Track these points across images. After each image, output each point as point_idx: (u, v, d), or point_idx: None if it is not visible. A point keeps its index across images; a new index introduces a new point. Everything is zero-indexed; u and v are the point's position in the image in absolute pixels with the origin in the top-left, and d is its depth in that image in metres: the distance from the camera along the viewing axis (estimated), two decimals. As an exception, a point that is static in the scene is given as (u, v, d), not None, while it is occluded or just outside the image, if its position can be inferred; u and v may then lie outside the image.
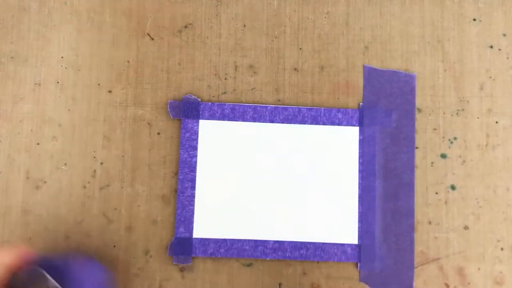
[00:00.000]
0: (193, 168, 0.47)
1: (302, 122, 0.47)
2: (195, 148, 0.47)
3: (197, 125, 0.47)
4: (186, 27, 0.49)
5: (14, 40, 0.48)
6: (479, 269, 0.46)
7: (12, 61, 0.48)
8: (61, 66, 0.48)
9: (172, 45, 0.49)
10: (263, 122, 0.47)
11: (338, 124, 0.48)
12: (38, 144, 0.47)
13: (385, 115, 0.48)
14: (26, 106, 0.48)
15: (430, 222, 0.47)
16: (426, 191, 0.47)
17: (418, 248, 0.46)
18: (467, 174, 0.47)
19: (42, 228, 0.46)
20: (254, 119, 0.47)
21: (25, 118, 0.47)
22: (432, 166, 0.47)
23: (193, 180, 0.47)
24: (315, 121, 0.48)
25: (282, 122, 0.47)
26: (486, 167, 0.47)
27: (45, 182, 0.47)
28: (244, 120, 0.47)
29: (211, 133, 0.47)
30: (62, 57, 0.48)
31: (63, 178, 0.47)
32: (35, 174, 0.47)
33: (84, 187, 0.47)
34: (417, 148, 0.47)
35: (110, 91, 0.48)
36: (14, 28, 0.49)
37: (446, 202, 0.47)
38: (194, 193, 0.47)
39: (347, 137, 0.47)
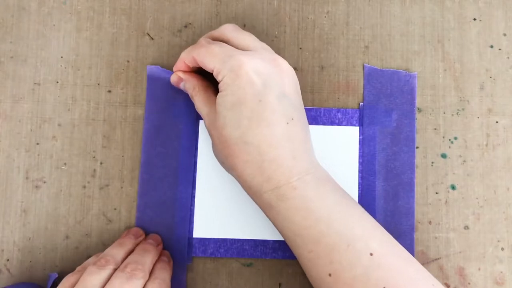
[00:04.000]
0: (193, 168, 0.47)
1: None
2: (195, 148, 0.47)
3: (197, 125, 0.47)
4: (186, 26, 0.49)
5: (13, 39, 0.48)
6: (479, 269, 0.46)
7: (11, 61, 0.48)
8: (61, 65, 0.48)
9: (172, 45, 0.49)
10: None
11: (338, 124, 0.47)
12: (37, 144, 0.47)
13: (385, 115, 0.48)
14: (26, 106, 0.48)
15: (430, 222, 0.46)
16: (426, 191, 0.47)
17: (418, 248, 0.46)
18: (467, 174, 0.47)
19: (41, 228, 0.46)
20: None
21: (25, 118, 0.47)
22: (432, 166, 0.47)
23: (193, 180, 0.47)
24: (315, 121, 0.48)
25: None
26: (486, 167, 0.47)
27: (44, 182, 0.47)
28: None
29: None
30: (61, 57, 0.48)
31: (63, 178, 0.47)
32: (35, 174, 0.47)
33: (84, 187, 0.47)
34: (417, 148, 0.47)
35: (109, 91, 0.48)
36: (14, 28, 0.48)
37: (446, 202, 0.47)
38: (194, 193, 0.47)
39: (347, 137, 0.47)
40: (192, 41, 0.49)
